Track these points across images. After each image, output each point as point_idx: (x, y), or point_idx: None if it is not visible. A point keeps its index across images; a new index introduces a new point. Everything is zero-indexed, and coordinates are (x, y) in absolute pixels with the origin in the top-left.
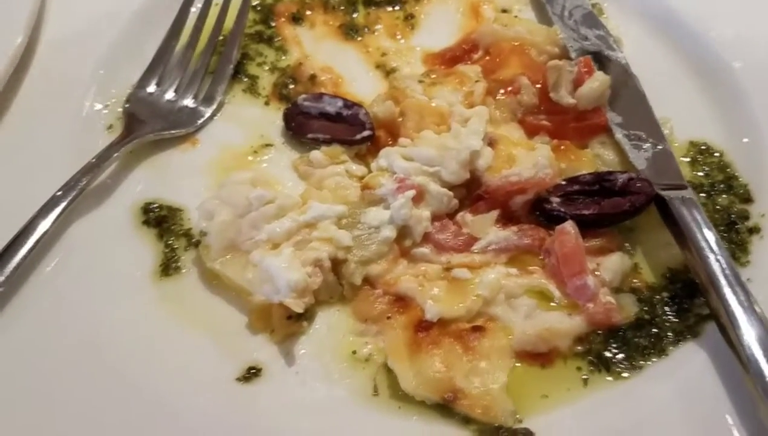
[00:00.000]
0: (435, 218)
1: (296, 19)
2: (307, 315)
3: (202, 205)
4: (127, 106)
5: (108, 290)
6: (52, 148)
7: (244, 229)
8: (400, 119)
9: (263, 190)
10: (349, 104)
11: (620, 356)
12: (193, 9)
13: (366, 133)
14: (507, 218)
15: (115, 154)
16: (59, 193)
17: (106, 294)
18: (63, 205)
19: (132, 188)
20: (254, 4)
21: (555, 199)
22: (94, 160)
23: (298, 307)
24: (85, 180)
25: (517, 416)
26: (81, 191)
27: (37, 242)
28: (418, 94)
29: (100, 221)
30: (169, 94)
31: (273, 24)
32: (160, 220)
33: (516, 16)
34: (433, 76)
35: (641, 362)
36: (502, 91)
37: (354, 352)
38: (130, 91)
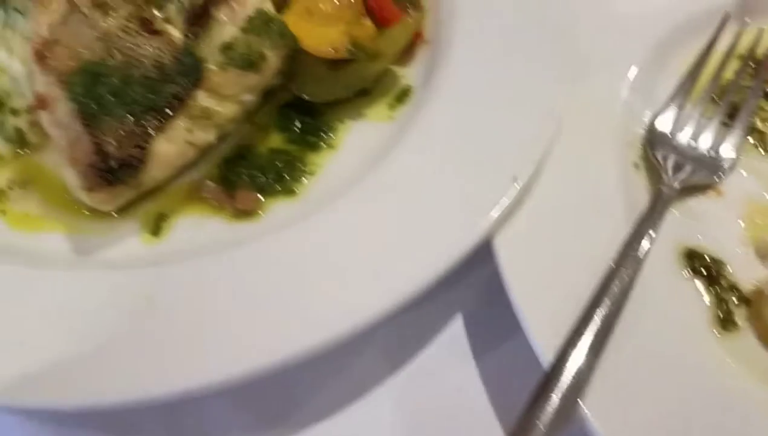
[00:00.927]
0: None
1: None
2: None
3: None
4: (653, 146)
5: (666, 335)
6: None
7: None
8: None
9: None
10: None
11: None
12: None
13: None
14: None
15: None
16: (615, 265)
17: (665, 339)
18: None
19: (669, 230)
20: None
21: None
22: (647, 221)
23: None
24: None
25: None
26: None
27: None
28: None
29: (648, 260)
30: (687, 138)
31: None
32: (707, 269)
33: None
34: None
35: None
36: None
37: None
38: (651, 130)
